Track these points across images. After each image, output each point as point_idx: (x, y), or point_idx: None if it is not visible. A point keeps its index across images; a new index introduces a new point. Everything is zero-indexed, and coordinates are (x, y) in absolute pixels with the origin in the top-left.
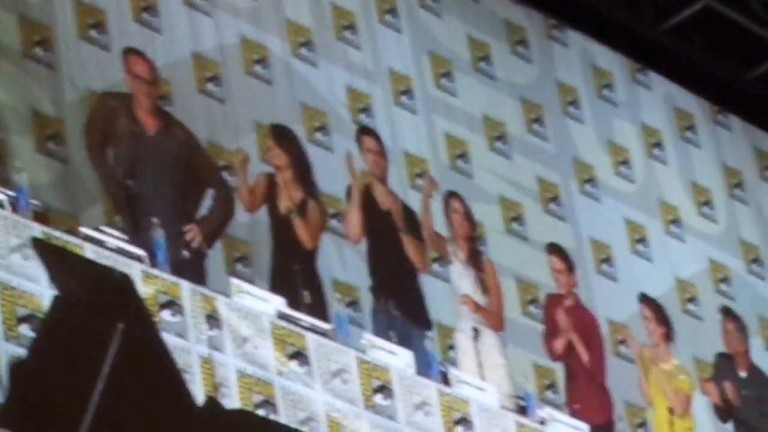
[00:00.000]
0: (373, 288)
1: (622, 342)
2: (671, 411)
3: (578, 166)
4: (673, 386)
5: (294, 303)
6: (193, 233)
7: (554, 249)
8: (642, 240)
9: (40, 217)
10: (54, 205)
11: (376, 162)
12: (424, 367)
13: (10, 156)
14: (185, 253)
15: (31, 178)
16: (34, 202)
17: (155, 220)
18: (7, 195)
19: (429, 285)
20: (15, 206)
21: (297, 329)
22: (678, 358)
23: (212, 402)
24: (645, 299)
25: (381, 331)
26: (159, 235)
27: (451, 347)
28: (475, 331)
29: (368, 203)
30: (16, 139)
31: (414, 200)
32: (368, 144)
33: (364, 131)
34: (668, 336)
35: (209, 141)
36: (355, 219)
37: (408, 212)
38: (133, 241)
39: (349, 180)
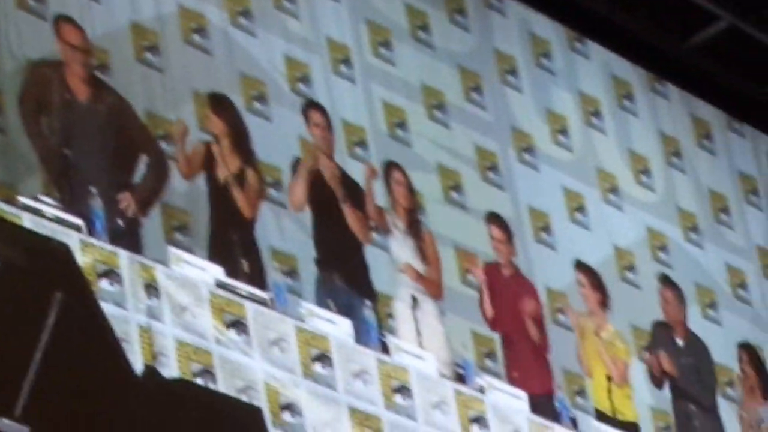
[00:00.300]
0: (318, 260)
1: (561, 310)
2: (609, 379)
3: (516, 135)
4: (611, 354)
5: (232, 272)
6: (126, 201)
7: (493, 218)
8: (580, 208)
9: None
10: None
11: (323, 137)
12: (363, 335)
13: None
14: (120, 222)
15: None
16: None
17: (93, 189)
18: None
19: (369, 255)
20: None
21: (235, 298)
22: (616, 326)
23: (151, 371)
24: (580, 266)
25: (324, 302)
26: (97, 204)
27: (390, 316)
28: (414, 299)
29: (314, 177)
30: None
31: (352, 168)
32: (315, 119)
33: (311, 105)
34: (604, 303)
35: (147, 110)
36: (299, 190)
37: (349, 183)
38: (71, 211)
39: (296, 153)
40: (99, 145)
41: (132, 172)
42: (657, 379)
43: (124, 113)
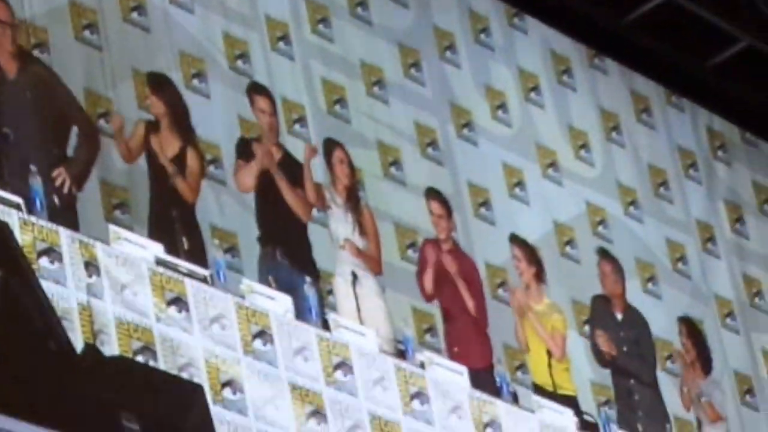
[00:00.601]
0: (260, 237)
1: (500, 285)
2: (549, 353)
3: (456, 111)
4: (548, 326)
5: (172, 249)
6: (62, 177)
7: (432, 193)
8: (519, 184)
9: None
10: None
11: (269, 123)
12: (304, 312)
13: None
14: (57, 199)
15: None
16: None
17: (32, 166)
18: None
19: (311, 232)
20: None
21: (175, 275)
22: (555, 301)
23: (91, 349)
24: (515, 240)
25: (265, 278)
26: (36, 181)
27: (331, 292)
28: (354, 275)
29: (268, 152)
30: None
31: (291, 146)
32: (261, 104)
33: (256, 89)
34: (540, 276)
35: (87, 88)
36: (250, 175)
37: (290, 163)
38: (9, 189)
39: (237, 130)
40: (32, 120)
41: (65, 146)
42: (602, 357)
43: (51, 84)
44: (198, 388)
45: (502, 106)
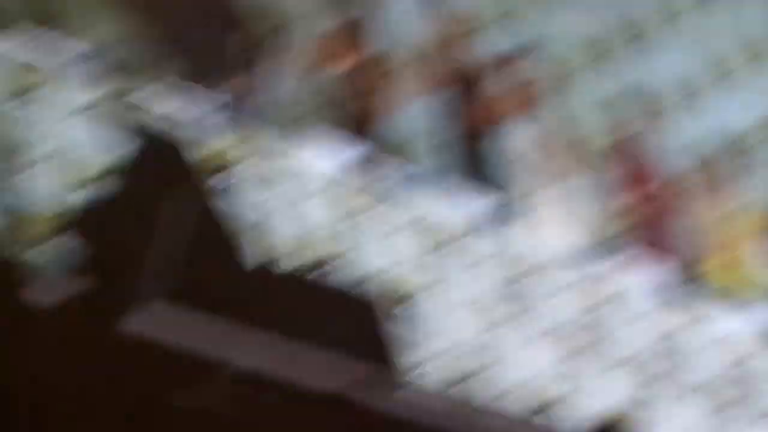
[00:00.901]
0: (440, 150)
1: (685, 191)
2: (729, 258)
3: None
4: (735, 230)
5: (349, 162)
6: (238, 90)
7: (612, 102)
8: (727, 74)
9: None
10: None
11: (447, 32)
12: (484, 223)
13: None
14: (237, 112)
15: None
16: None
17: (207, 81)
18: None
19: (495, 142)
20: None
21: (353, 189)
22: (743, 204)
23: (266, 265)
24: (699, 147)
25: (445, 191)
26: (212, 96)
27: (515, 202)
28: (539, 186)
29: (441, 66)
30: None
31: (470, 57)
32: (440, 12)
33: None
34: (723, 183)
35: (261, 3)
36: (418, 79)
37: (469, 73)
38: (184, 105)
39: (415, 41)
40: (206, 33)
41: (239, 59)
42: None
43: None
44: (374, 303)
45: None
